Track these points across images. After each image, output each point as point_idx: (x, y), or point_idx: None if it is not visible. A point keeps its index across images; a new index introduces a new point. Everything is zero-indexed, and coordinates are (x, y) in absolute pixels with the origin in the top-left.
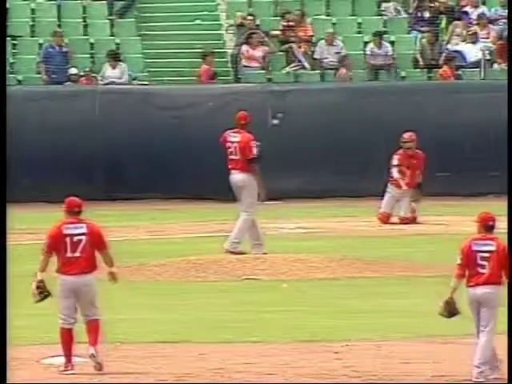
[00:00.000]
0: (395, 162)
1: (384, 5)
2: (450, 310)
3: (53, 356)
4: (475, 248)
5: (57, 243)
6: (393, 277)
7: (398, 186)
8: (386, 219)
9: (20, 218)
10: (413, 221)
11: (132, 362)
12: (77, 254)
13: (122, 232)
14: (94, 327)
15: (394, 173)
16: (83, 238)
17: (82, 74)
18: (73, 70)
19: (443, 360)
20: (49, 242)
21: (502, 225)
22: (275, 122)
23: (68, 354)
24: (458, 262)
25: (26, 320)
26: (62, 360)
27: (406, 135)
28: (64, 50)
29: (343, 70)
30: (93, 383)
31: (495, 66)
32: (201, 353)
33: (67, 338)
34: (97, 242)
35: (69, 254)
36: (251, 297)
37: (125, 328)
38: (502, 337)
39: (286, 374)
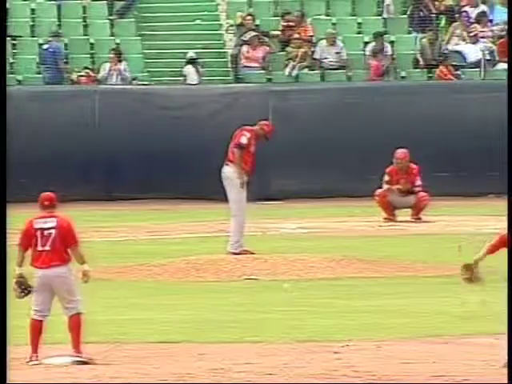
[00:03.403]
0: (386, 178)
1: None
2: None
3: (53, 356)
4: None
5: (28, 237)
6: (393, 277)
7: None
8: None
9: (20, 218)
10: (416, 220)
11: (132, 362)
12: (47, 248)
13: (122, 232)
14: (74, 324)
15: (385, 186)
16: (53, 231)
17: (81, 74)
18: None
19: (443, 360)
20: (21, 236)
21: (502, 225)
22: None
23: (35, 345)
24: None
25: (26, 320)
26: (62, 360)
27: (398, 154)
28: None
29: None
30: (93, 383)
31: (498, 66)
32: (201, 353)
33: (36, 329)
34: (65, 236)
35: (39, 248)
36: (251, 297)
37: (125, 328)
38: (501, 337)
39: (286, 374)
